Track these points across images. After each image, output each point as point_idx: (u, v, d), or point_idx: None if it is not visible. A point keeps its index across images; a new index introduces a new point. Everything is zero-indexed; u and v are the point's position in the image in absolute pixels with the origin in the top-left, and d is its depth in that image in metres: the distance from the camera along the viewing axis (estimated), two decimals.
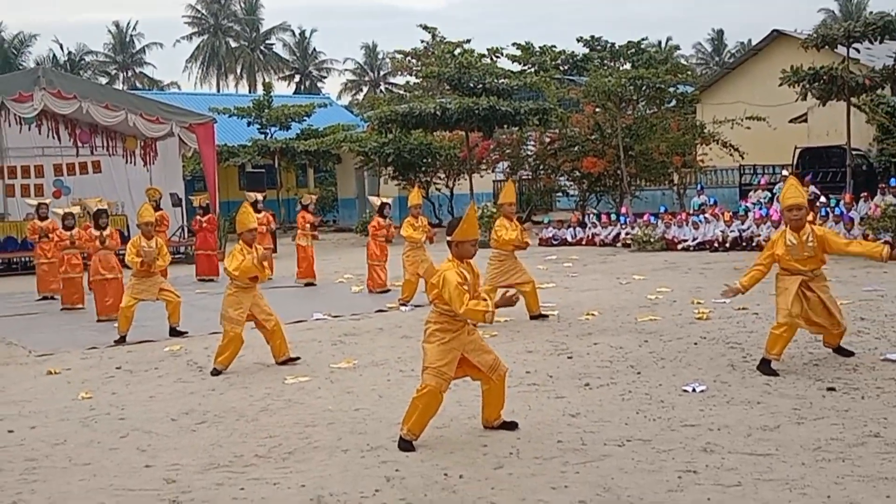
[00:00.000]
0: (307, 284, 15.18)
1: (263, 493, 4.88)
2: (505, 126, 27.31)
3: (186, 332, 10.33)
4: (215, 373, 8.14)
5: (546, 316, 10.57)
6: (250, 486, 5.00)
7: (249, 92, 57.38)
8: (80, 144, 22.80)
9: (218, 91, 63.10)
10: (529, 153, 30.72)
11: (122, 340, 10.15)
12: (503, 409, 5.94)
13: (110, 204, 16.61)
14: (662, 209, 21.43)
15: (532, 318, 10.51)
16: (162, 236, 16.31)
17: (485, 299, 5.69)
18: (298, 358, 8.52)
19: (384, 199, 14.50)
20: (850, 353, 7.56)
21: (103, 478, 5.28)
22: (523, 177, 34.00)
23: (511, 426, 5.89)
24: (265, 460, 5.49)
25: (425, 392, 5.60)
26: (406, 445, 5.57)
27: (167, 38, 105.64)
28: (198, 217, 17.67)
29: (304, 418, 6.46)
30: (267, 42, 70.09)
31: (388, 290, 13.57)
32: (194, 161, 27.66)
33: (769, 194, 21.52)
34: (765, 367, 7.18)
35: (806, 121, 26.33)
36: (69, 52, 61.48)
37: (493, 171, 32.85)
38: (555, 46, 37.16)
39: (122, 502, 4.83)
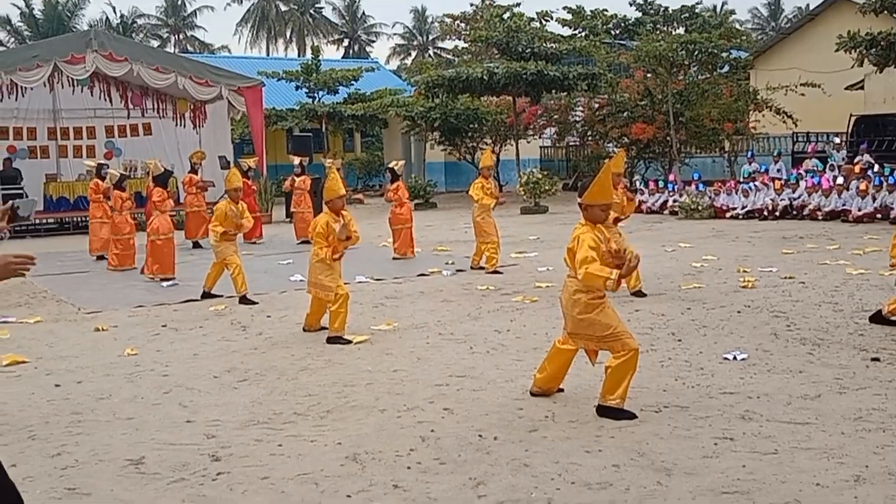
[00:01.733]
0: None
1: (300, 450, 4.96)
2: (553, 91, 27.05)
3: (221, 296, 10.29)
4: (332, 340, 7.73)
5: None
6: (288, 443, 5.08)
7: (298, 56, 57.47)
8: (131, 107, 23.10)
9: (267, 55, 63.33)
10: (577, 119, 30.43)
11: (208, 295, 10.31)
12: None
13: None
14: (696, 176, 21.08)
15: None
16: (198, 198, 16.52)
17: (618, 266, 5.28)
18: (350, 342, 7.84)
19: (393, 165, 14.10)
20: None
21: (145, 432, 5.41)
22: (570, 143, 33.75)
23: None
24: (303, 418, 5.57)
25: (629, 357, 5.30)
26: (625, 413, 5.30)
27: (218, 2, 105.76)
28: (247, 180, 17.82)
29: (343, 378, 6.53)
30: (316, 6, 70.07)
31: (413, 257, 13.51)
32: (243, 124, 27.86)
33: (819, 162, 21.10)
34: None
35: (862, 88, 25.68)
36: (122, 15, 62.16)
37: (540, 137, 32.63)
38: (606, 10, 36.71)
39: (163, 455, 4.94)
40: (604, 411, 5.35)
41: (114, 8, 63.75)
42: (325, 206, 8.13)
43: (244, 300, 9.92)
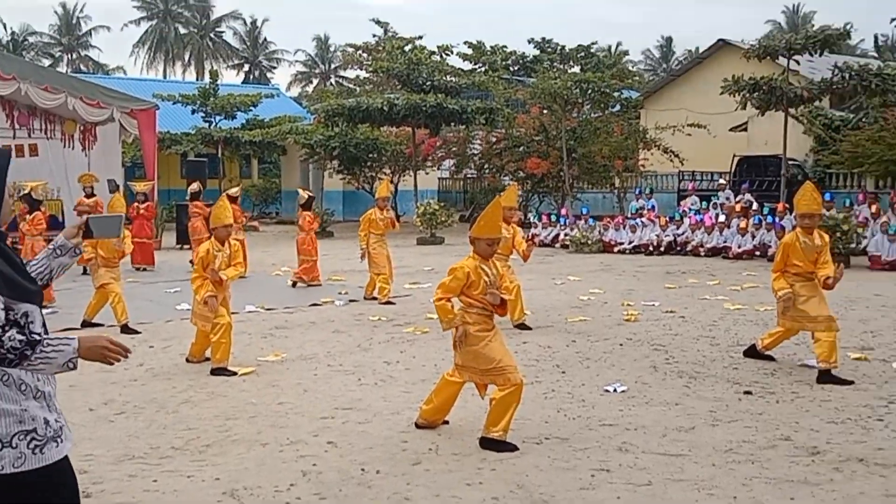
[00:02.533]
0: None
1: (176, 486, 4.84)
2: (451, 124, 27.37)
3: (102, 325, 9.93)
4: (216, 372, 7.54)
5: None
6: (164, 479, 4.95)
7: (197, 80, 56.56)
8: (17, 126, 22.23)
9: (164, 77, 62.08)
10: (475, 152, 30.84)
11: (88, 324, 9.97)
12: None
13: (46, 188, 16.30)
14: (584, 210, 21.70)
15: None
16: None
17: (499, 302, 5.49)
18: (235, 373, 7.66)
19: (310, 192, 14.39)
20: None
21: None
22: (468, 175, 34.14)
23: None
24: (182, 452, 5.44)
25: (513, 390, 5.34)
26: (507, 445, 5.34)
27: (115, 22, 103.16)
28: (136, 203, 17.39)
29: (226, 411, 6.41)
30: (217, 30, 69.15)
31: (320, 285, 13.57)
32: (135, 147, 27.14)
33: (698, 200, 21.95)
34: (829, 377, 7.04)
35: (746, 129, 26.88)
36: (12, 32, 60.01)
37: (438, 169, 32.90)
38: (506, 46, 37.36)
39: None
40: (487, 443, 5.41)
41: (4, 25, 61.19)
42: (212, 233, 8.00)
43: (125, 329, 9.63)
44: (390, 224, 12.14)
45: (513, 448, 5.37)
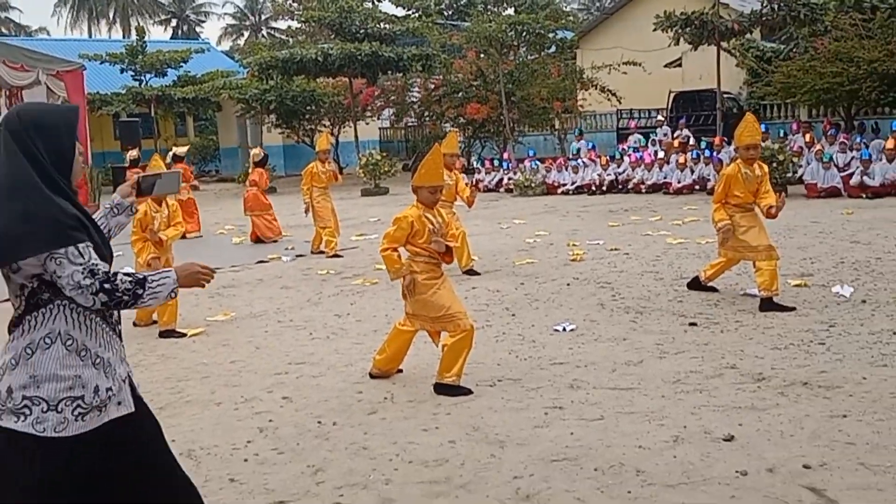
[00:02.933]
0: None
1: None
2: (389, 72, 27.14)
3: None
4: (164, 335, 7.48)
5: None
6: None
7: (123, 38, 54.92)
8: None
9: (90, 37, 60.18)
10: (414, 100, 30.63)
11: None
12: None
13: None
14: (531, 153, 21.76)
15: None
16: None
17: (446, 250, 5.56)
18: (184, 335, 7.64)
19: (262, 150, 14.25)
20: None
21: None
22: (409, 124, 33.94)
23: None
24: None
25: (464, 336, 5.39)
26: (461, 389, 5.40)
27: None
28: None
29: (178, 373, 6.37)
30: None
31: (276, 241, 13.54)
32: None
33: (642, 138, 22.12)
34: (771, 305, 7.20)
35: (680, 65, 27.03)
36: None
37: (378, 119, 32.64)
38: None
39: None
40: (440, 389, 5.47)
41: None
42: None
43: None
44: (332, 177, 12.04)
45: (467, 392, 5.44)
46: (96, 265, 2.68)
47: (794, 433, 4.54)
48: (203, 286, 2.98)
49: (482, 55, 26.29)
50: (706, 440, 4.51)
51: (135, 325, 7.97)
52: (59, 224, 2.62)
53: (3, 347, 2.75)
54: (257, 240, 13.61)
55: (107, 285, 2.67)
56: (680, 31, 20.36)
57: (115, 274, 2.73)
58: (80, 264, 2.64)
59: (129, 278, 2.74)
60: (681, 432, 4.64)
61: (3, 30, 59.70)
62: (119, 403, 2.80)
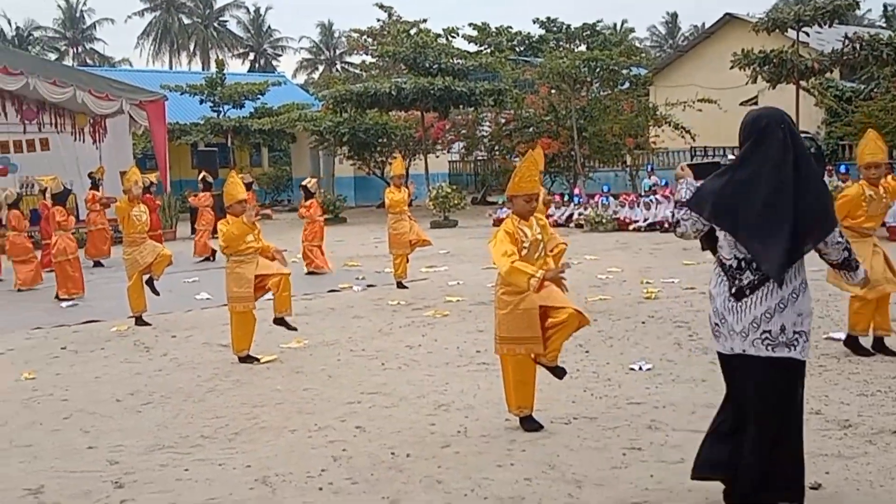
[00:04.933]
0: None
1: (208, 474, 4.84)
2: (460, 106, 27.27)
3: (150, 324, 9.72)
4: (243, 360, 7.52)
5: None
6: (195, 467, 4.96)
7: (203, 69, 56.47)
8: (27, 121, 22.25)
9: (170, 68, 62.02)
10: (485, 134, 30.75)
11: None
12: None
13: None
14: (605, 188, 21.57)
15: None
16: (101, 215, 16.13)
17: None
18: (295, 329, 8.23)
19: (306, 183, 14.08)
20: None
21: (44, 460, 5.20)
22: (478, 157, 34.05)
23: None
24: (211, 441, 5.45)
25: (569, 317, 5.11)
26: (532, 423, 5.34)
27: (119, 14, 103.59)
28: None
29: (252, 399, 6.41)
30: (220, 19, 68.95)
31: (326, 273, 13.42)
32: (145, 139, 27.19)
33: None
34: (854, 343, 6.81)
35: (756, 103, 26.67)
36: (17, 28, 60.01)
37: (448, 152, 32.84)
38: (511, 27, 37.19)
39: (63, 484, 4.76)
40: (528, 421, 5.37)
41: (9, 21, 61.22)
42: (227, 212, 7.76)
43: (140, 321, 9.64)
44: (405, 199, 11.83)
45: (538, 427, 5.34)
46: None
47: (883, 483, 4.36)
48: None
49: (554, 90, 26.30)
50: None
51: (241, 360, 7.68)
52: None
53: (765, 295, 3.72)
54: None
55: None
56: (758, 69, 20.15)
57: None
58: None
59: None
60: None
61: (89, 60, 61.91)
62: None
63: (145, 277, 9.64)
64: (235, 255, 7.59)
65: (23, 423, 6.02)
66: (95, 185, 16.59)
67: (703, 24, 50.64)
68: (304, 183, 14.01)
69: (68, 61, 59.53)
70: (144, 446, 5.37)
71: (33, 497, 4.60)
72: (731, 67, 21.01)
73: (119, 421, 5.98)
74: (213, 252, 15.94)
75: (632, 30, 53.02)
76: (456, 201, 22.30)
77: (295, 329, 8.17)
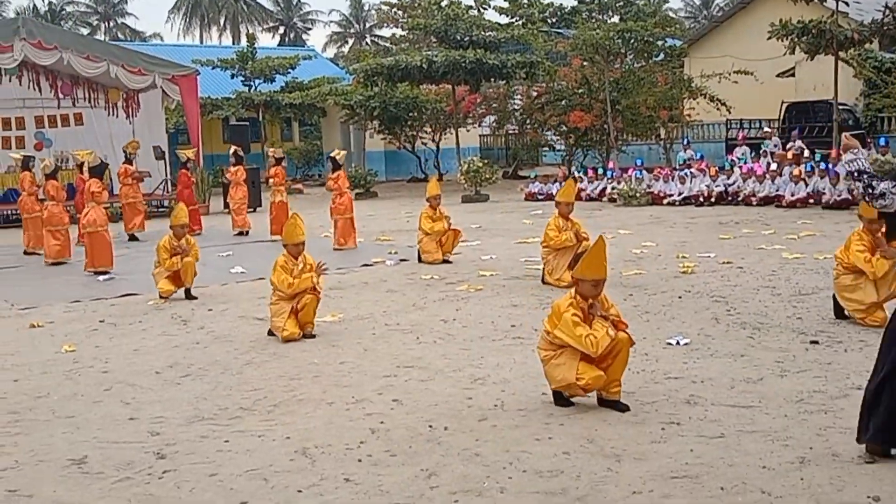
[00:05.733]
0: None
1: (248, 445, 4.88)
2: (492, 79, 27.09)
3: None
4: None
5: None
6: (235, 439, 5.00)
7: (233, 44, 56.53)
8: (61, 96, 22.46)
9: (201, 43, 62.21)
10: (516, 107, 30.58)
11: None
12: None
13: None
14: (639, 162, 21.34)
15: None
16: (133, 189, 16.27)
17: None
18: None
19: (334, 154, 13.99)
20: None
21: (87, 430, 5.27)
22: (510, 131, 33.88)
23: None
24: (250, 413, 5.49)
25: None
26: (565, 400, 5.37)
27: None
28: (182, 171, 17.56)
29: (289, 371, 6.45)
30: None
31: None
32: (177, 113, 27.33)
33: (749, 150, 21.48)
34: None
35: (793, 75, 26.26)
36: (49, 3, 60.42)
37: (479, 126, 32.70)
38: None
39: (106, 454, 4.82)
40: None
41: None
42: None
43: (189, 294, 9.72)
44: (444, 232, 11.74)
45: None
46: None
47: None
48: None
49: (587, 62, 26.03)
50: (834, 463, 4.31)
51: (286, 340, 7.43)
52: None
53: None
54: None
55: None
56: (796, 39, 19.76)
57: None
58: None
59: None
60: (807, 454, 4.44)
61: (120, 35, 62.26)
62: None
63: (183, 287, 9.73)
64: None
65: (65, 394, 6.11)
66: (129, 160, 16.70)
67: None
68: (332, 154, 13.97)
69: (100, 36, 59.85)
70: (184, 418, 5.43)
71: (77, 467, 4.66)
72: (769, 38, 20.59)
73: (159, 393, 6.04)
74: (249, 227, 16.09)
75: (666, 0, 52.22)
76: (487, 176, 22.18)
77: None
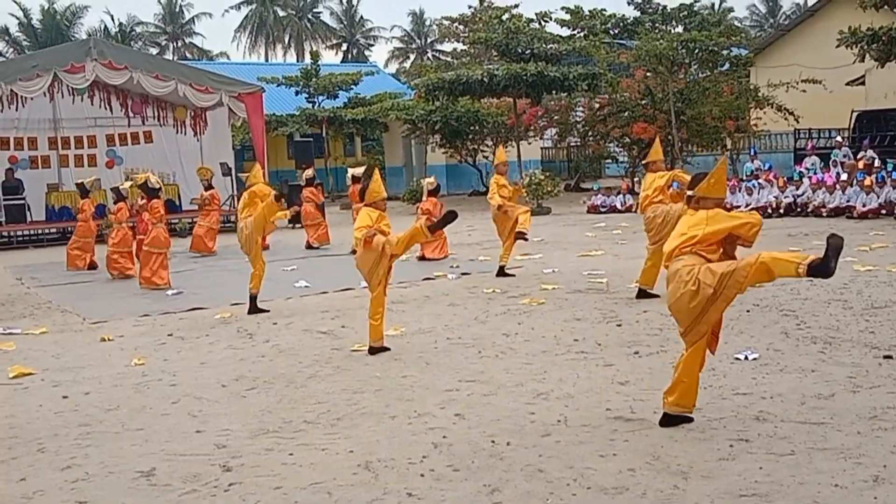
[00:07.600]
0: (353, 252, 15.07)
1: (312, 459, 4.92)
2: (553, 92, 26.99)
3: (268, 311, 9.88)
4: (372, 351, 7.45)
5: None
6: (299, 452, 5.04)
7: (297, 61, 57.41)
8: (131, 115, 23.08)
9: (266, 61, 63.33)
10: (578, 119, 30.40)
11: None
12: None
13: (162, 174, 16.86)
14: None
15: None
16: (213, 215, 16.62)
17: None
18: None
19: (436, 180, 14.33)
20: None
21: (155, 443, 5.37)
22: (572, 143, 33.70)
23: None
24: (314, 426, 5.53)
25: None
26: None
27: (216, 8, 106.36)
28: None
29: (352, 385, 6.48)
30: (314, 10, 70.07)
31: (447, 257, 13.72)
32: (243, 131, 27.86)
33: (819, 160, 20.98)
34: None
35: (863, 83, 25.61)
36: (120, 24, 62.10)
37: (541, 139, 32.58)
38: (604, 10, 36.57)
39: (174, 466, 4.90)
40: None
41: (112, 16, 63.66)
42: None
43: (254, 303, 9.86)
44: (517, 191, 11.93)
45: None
46: None
47: None
48: None
49: (650, 73, 25.77)
50: None
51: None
52: None
53: None
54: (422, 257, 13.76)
55: None
56: (866, 47, 19.28)
57: None
58: None
59: None
60: (880, 472, 4.30)
61: (188, 54, 63.71)
62: None
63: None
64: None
65: (134, 407, 6.23)
66: (209, 185, 17.06)
67: (805, 1, 48.95)
68: (427, 182, 14.22)
69: (169, 55, 61.31)
70: (250, 430, 5.49)
71: (145, 479, 4.74)
72: (837, 46, 20.15)
73: (225, 405, 6.12)
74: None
75: (731, 9, 51.68)
76: (549, 188, 22.09)
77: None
